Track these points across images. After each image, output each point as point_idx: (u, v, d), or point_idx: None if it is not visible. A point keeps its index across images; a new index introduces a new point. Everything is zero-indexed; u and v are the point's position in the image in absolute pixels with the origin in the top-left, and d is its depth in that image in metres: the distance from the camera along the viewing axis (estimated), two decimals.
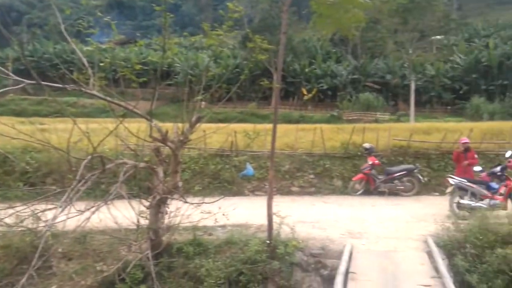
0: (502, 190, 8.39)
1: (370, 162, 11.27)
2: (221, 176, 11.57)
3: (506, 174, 8.58)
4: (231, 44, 49.73)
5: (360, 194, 11.27)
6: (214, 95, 6.17)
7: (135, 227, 6.16)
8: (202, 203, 5.80)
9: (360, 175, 11.34)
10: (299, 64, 49.70)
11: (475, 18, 71.46)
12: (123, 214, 6.00)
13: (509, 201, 8.27)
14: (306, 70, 49.66)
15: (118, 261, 5.79)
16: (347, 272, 5.51)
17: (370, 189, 11.32)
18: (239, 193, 11.43)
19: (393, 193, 11.15)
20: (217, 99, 7.18)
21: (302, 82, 49.19)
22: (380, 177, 11.33)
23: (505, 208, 8.03)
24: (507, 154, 8.82)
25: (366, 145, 11.76)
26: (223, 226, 7.23)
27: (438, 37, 42.81)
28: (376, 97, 43.48)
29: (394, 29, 51.99)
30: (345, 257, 5.98)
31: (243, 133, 7.54)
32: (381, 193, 11.15)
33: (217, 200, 6.04)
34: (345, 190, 11.49)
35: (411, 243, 6.86)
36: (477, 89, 41.81)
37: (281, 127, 12.18)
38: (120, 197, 5.59)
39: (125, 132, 6.44)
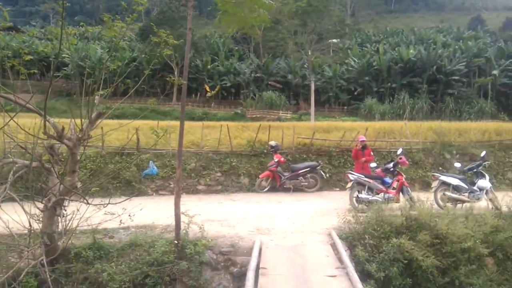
0: (395, 184, 9.46)
1: (276, 160, 11.75)
2: (121, 175, 10.98)
3: (398, 169, 9.68)
4: (127, 36, 47.38)
5: (267, 191, 11.69)
6: (110, 90, 5.79)
7: (26, 231, 5.59)
8: (106, 204, 5.43)
9: (266, 172, 11.75)
10: (201, 60, 49.64)
11: (367, 24, 79.63)
12: (13, 218, 5.47)
13: (401, 194, 9.33)
14: (209, 67, 49.80)
15: (8, 269, 5.17)
16: (257, 268, 5.66)
17: (276, 186, 11.80)
18: (142, 193, 11.04)
19: (298, 189, 11.79)
20: (113, 94, 6.78)
21: (204, 79, 49.22)
22: (285, 174, 11.88)
23: (397, 201, 9.05)
24: (398, 151, 9.96)
25: (272, 142, 12.22)
26: (126, 228, 6.90)
27: (334, 40, 46.57)
28: (278, 95, 45.59)
29: (294, 31, 55.10)
30: (255, 253, 6.13)
31: (150, 130, 7.26)
32: (287, 190, 11.71)
33: (122, 201, 5.72)
34: (252, 188, 11.82)
35: (317, 237, 7.33)
36: (370, 90, 46.59)
37: (185, 124, 11.96)
38: (9, 199, 4.98)
39: (12, 129, 5.75)
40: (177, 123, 9.27)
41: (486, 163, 10.39)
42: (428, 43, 52.07)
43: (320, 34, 45.33)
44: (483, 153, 10.25)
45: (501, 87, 44.48)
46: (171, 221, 6.41)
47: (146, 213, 7.66)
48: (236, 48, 56.74)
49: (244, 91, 49.09)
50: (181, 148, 6.49)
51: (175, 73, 44.18)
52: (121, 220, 6.23)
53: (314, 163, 12.13)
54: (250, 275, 5.36)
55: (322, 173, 12.03)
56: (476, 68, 46.15)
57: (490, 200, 9.22)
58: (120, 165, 11.22)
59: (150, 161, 11.63)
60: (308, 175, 11.87)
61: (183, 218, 6.36)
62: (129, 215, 6.38)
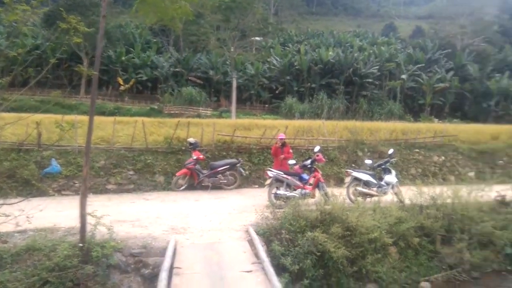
0: (311, 180, 9.98)
1: (195, 157, 11.69)
2: (18, 174, 10.09)
3: (315, 166, 10.23)
4: (31, 21, 43.51)
5: (184, 189, 11.59)
6: (8, 79, 5.31)
7: None
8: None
9: (184, 170, 11.64)
10: (115, 51, 47.52)
11: (289, 24, 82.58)
12: None
13: (317, 190, 9.88)
14: (123, 58, 47.89)
15: None
16: (171, 268, 5.62)
17: (194, 184, 11.75)
18: (42, 193, 10.27)
19: (217, 187, 11.87)
20: (10, 84, 6.24)
21: (118, 71, 47.17)
22: (204, 171, 11.89)
23: (313, 196, 9.56)
24: (316, 149, 10.54)
25: (191, 139, 12.14)
26: (23, 232, 6.37)
27: (257, 38, 47.63)
28: (198, 92, 45.34)
29: (216, 26, 55.18)
30: (169, 253, 6.07)
31: (54, 125, 6.75)
32: (205, 188, 11.72)
33: (19, 202, 5.29)
34: (168, 186, 11.62)
35: (234, 234, 7.47)
36: (290, 90, 48.47)
37: (95, 119, 11.40)
38: None
39: None
40: (85, 117, 8.78)
41: (393, 160, 11.42)
42: (345, 46, 55.69)
43: (243, 31, 46.08)
44: (390, 151, 11.26)
45: (408, 90, 49.16)
46: (76, 223, 6.06)
47: (46, 215, 7.15)
48: (154, 40, 55.21)
49: (162, 86, 48.01)
50: (90, 144, 6.16)
51: (84, 63, 41.62)
52: (17, 223, 5.76)
53: (233, 160, 12.29)
54: (163, 275, 5.30)
55: (242, 171, 12.25)
56: (388, 72, 50.45)
57: (396, 194, 10.18)
58: (17, 163, 10.31)
59: (52, 159, 10.85)
60: (227, 172, 12.00)
61: (90, 219, 6.05)
62: (27, 217, 5.91)
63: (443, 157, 15.76)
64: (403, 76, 48.44)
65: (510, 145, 17.65)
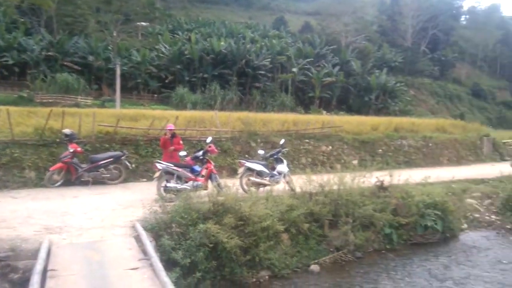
0: (204, 172, 9.97)
1: (71, 150, 10.83)
2: None
3: (207, 158, 10.24)
4: None
5: (60, 186, 10.67)
6: None
7: None
8: None
9: (59, 164, 10.71)
10: None
11: (179, 11, 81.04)
12: None
13: (209, 181, 9.90)
14: None
15: None
16: (45, 271, 5.13)
17: (71, 180, 10.89)
18: None
19: (99, 181, 11.18)
20: None
21: None
22: (83, 165, 11.09)
23: (206, 188, 9.57)
24: (208, 140, 10.56)
25: (66, 131, 11.19)
26: None
27: (143, 23, 45.82)
28: (76, 79, 42.10)
29: (96, 7, 51.70)
30: (42, 254, 5.53)
31: None
32: (85, 183, 10.95)
33: None
34: (40, 182, 10.59)
35: (119, 230, 7.12)
36: (181, 79, 47.76)
37: None
38: None
39: None
40: None
41: (284, 150, 12.03)
42: (238, 37, 56.61)
43: (127, 14, 43.83)
44: (282, 141, 11.86)
45: (299, 83, 52.15)
46: None
47: None
48: (22, 20, 49.55)
49: (32, 71, 43.43)
50: None
51: None
52: None
53: (118, 153, 11.68)
54: (35, 279, 4.81)
55: (127, 164, 11.71)
56: (279, 65, 52.85)
57: (287, 182, 10.75)
58: None
59: None
60: (111, 166, 11.36)
61: None
62: None
63: (330, 147, 17.07)
64: (294, 70, 51.15)
65: (387, 135, 19.83)
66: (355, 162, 16.74)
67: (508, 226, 11.92)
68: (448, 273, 8.52)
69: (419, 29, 71.55)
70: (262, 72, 50.06)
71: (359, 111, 46.87)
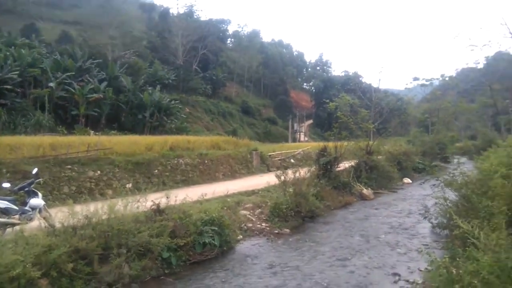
0: None
1: None
2: None
3: None
4: None
5: None
6: None
7: None
8: None
9: None
10: None
11: None
12: None
13: None
14: None
15: None
16: None
17: None
18: None
19: None
20: None
21: None
22: None
23: None
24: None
25: None
26: None
27: None
28: None
29: None
30: None
31: None
32: None
33: None
34: None
35: None
36: None
37: None
38: None
39: None
40: None
41: (39, 180, 10.91)
42: None
43: None
44: (34, 170, 10.80)
45: (58, 100, 48.42)
46: None
47: None
48: None
49: None
50: None
51: None
52: None
53: None
54: None
55: None
56: (32, 79, 48.01)
57: (44, 218, 9.69)
58: None
59: None
60: None
61: None
62: None
63: (99, 172, 16.28)
64: (51, 84, 47.20)
65: (163, 154, 20.27)
66: (129, 186, 16.46)
67: (276, 231, 13.62)
68: (226, 286, 9.08)
69: (189, 48, 76.18)
70: (9, 86, 44.52)
71: (133, 130, 46.67)
